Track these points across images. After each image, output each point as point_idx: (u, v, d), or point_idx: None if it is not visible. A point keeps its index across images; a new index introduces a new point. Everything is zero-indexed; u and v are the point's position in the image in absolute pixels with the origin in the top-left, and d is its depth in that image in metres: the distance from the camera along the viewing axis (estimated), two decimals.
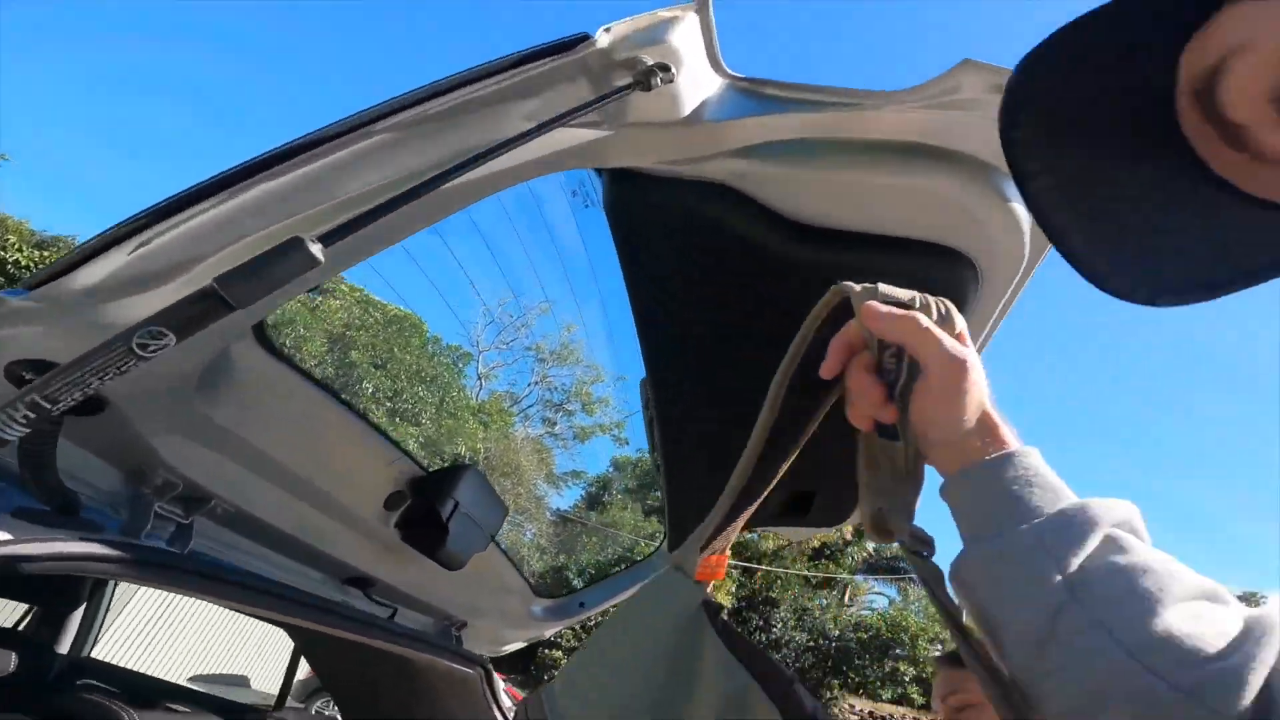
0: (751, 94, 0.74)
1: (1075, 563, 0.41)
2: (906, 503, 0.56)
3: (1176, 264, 0.42)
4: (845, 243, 0.79)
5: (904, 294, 0.52)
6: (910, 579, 17.67)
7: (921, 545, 0.53)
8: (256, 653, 8.81)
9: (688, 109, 0.70)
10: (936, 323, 0.50)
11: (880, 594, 18.13)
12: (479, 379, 19.66)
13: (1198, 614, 0.40)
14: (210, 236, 0.62)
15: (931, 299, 0.53)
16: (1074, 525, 0.42)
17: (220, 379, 0.79)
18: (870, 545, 17.12)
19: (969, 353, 0.49)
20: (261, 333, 0.81)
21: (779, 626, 14.71)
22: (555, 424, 20.23)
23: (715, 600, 0.59)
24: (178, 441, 0.81)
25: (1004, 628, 0.43)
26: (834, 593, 16.79)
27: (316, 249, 0.45)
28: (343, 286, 15.48)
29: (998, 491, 0.45)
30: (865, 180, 0.75)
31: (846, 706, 13.88)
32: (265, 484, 0.93)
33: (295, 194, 0.63)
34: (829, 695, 14.11)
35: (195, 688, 1.75)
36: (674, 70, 0.64)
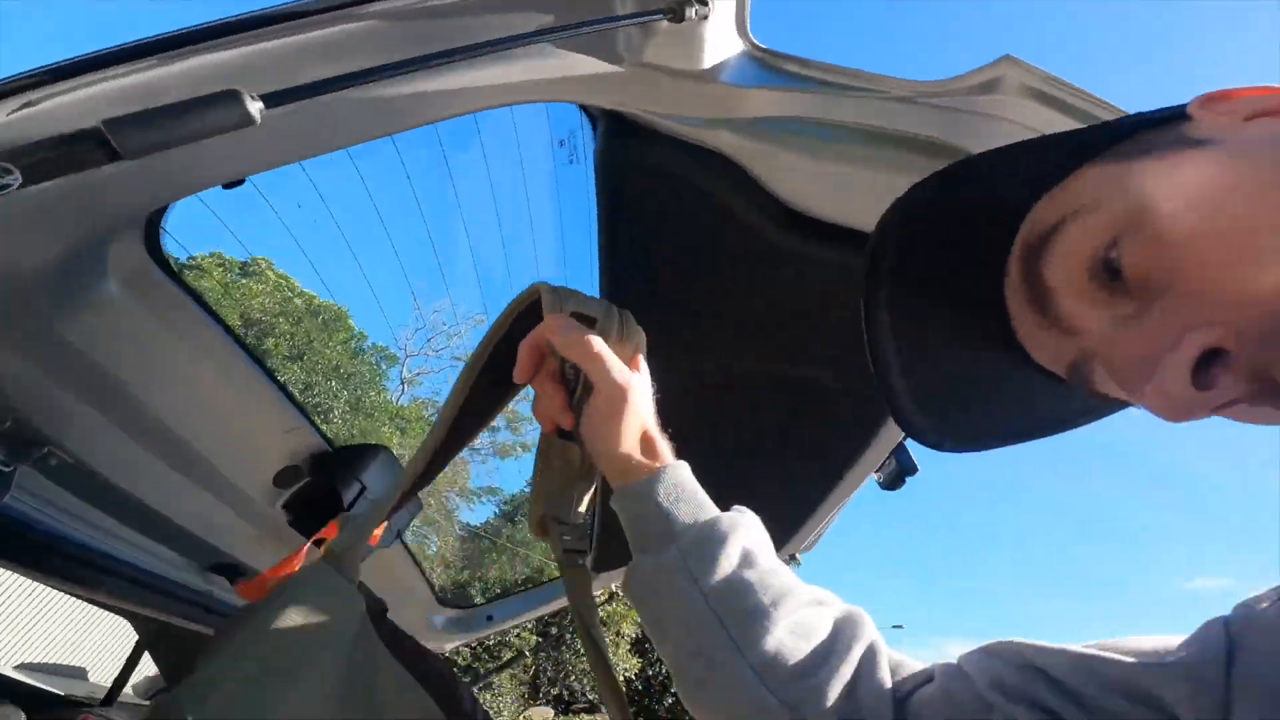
0: (769, 66, 0.69)
1: (712, 580, 0.47)
2: (572, 501, 0.59)
3: (968, 415, 0.46)
4: (843, 238, 0.74)
5: (594, 308, 0.55)
6: None
7: (577, 553, 0.58)
8: (107, 642, 7.87)
9: (707, 63, 0.65)
10: (616, 341, 0.54)
11: None
12: (402, 383, 18.91)
13: (806, 626, 0.47)
14: (119, 106, 0.50)
15: (617, 316, 0.55)
16: (712, 542, 0.48)
17: (86, 285, 0.62)
18: None
19: (634, 379, 0.53)
20: (154, 234, 0.65)
21: None
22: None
23: (379, 602, 0.54)
24: (13, 360, 0.63)
25: (669, 646, 0.49)
26: None
27: (255, 108, 0.37)
28: (269, 272, 14.80)
29: (652, 508, 0.50)
30: (873, 176, 0.70)
31: None
32: (122, 435, 0.76)
33: (238, 72, 0.52)
34: None
35: (15, 676, 1.48)
36: (710, 6, 0.57)
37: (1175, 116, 0.38)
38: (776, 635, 0.46)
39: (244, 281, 14.16)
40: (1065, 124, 0.61)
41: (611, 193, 0.73)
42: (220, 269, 14.12)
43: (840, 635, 0.48)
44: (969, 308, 0.43)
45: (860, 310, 0.46)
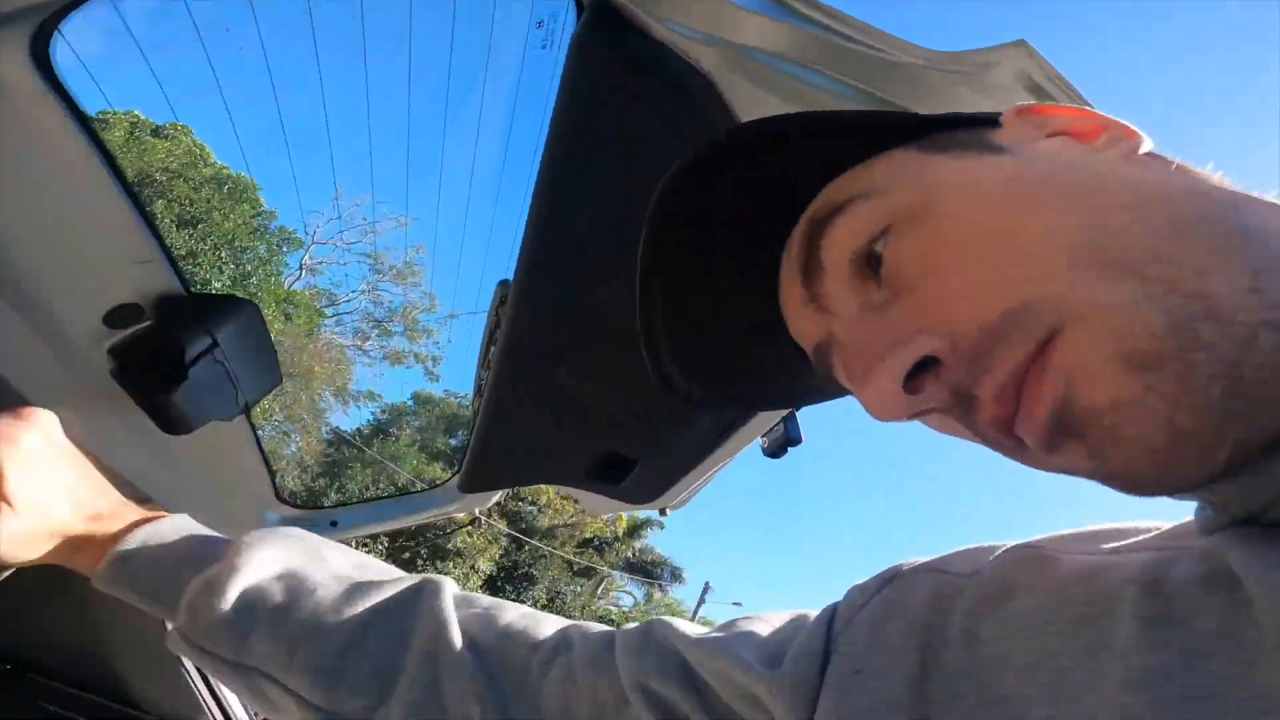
0: None
1: (232, 649, 0.47)
2: None
3: (721, 376, 0.46)
4: None
5: None
6: (659, 585, 18.94)
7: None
8: None
9: None
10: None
11: (629, 593, 19.20)
12: (300, 269, 17.52)
13: (358, 639, 0.48)
14: None
15: None
16: (207, 607, 0.47)
17: None
18: (637, 544, 18.05)
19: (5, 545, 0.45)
20: (43, 36, 0.52)
21: (529, 604, 14.89)
22: (368, 338, 18.68)
23: None
24: None
25: None
26: (591, 583, 17.39)
27: None
28: (186, 139, 13.24)
29: (128, 596, 0.48)
30: None
31: None
32: None
33: None
34: None
35: None
36: None
37: (990, 120, 0.38)
38: (333, 678, 0.46)
39: (152, 141, 12.63)
40: None
41: (577, 84, 0.65)
42: (131, 126, 12.66)
43: (402, 633, 0.48)
44: (747, 274, 0.42)
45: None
